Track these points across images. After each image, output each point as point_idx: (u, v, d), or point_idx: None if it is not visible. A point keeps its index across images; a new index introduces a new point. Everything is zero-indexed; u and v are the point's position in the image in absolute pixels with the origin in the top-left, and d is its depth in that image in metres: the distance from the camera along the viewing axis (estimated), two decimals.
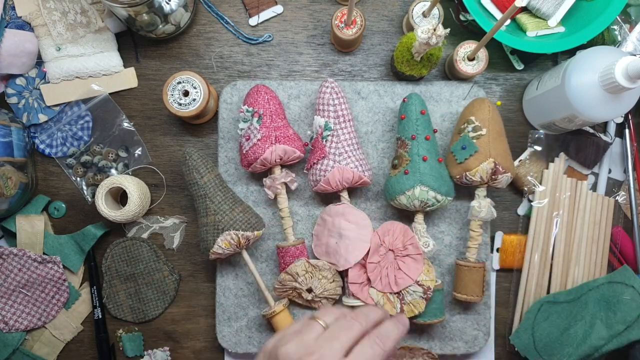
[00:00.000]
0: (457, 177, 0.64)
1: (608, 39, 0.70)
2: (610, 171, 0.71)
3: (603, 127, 0.72)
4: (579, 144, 0.70)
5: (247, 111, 0.64)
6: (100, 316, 0.70)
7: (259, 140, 0.63)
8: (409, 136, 0.63)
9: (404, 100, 0.65)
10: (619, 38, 0.70)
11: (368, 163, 0.67)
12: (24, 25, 0.70)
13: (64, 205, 0.72)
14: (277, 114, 0.65)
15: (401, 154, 0.64)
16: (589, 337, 0.63)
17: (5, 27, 0.69)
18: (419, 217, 0.65)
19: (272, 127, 0.64)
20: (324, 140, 0.64)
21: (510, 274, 0.71)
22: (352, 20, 0.66)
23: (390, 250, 0.64)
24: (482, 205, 0.63)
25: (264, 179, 0.66)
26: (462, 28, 0.71)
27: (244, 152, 0.65)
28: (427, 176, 0.62)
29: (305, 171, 0.67)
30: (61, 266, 0.70)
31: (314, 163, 0.64)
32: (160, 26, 0.68)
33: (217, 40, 0.72)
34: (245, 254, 0.65)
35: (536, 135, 0.71)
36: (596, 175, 0.71)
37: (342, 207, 0.65)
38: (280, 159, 0.64)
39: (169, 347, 0.71)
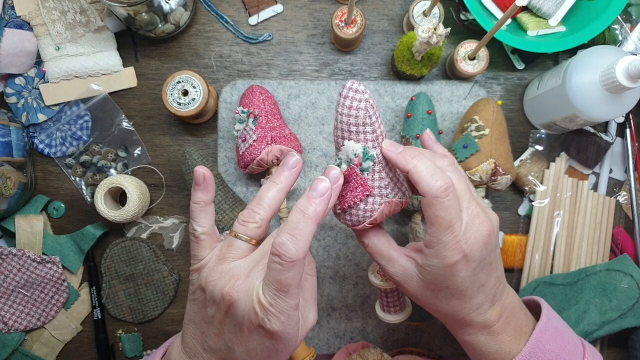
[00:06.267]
0: None
1: (609, 39, 0.70)
2: (611, 171, 0.71)
3: (604, 126, 0.71)
4: (580, 144, 0.70)
5: (243, 112, 0.64)
6: (99, 316, 0.70)
7: (254, 141, 0.63)
8: (413, 135, 0.63)
9: (412, 99, 0.65)
10: (620, 37, 0.70)
11: (400, 176, 0.49)
12: (23, 25, 0.70)
13: (63, 205, 0.71)
14: (272, 114, 0.65)
15: None
16: (582, 321, 0.63)
17: (5, 26, 0.69)
18: (417, 218, 0.64)
19: (267, 127, 0.64)
20: (365, 173, 0.46)
21: (511, 274, 0.71)
22: (352, 19, 0.66)
23: None
24: None
25: (262, 180, 0.66)
26: (463, 27, 0.71)
27: (241, 153, 0.65)
28: None
29: (338, 211, 0.49)
30: (60, 266, 0.69)
31: (355, 203, 0.47)
32: (160, 25, 0.68)
33: (216, 40, 0.72)
34: None
35: (537, 135, 0.70)
36: (597, 175, 0.71)
37: None
38: (277, 160, 0.64)
39: None
